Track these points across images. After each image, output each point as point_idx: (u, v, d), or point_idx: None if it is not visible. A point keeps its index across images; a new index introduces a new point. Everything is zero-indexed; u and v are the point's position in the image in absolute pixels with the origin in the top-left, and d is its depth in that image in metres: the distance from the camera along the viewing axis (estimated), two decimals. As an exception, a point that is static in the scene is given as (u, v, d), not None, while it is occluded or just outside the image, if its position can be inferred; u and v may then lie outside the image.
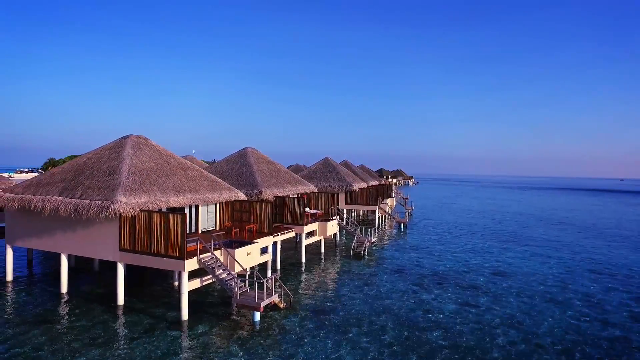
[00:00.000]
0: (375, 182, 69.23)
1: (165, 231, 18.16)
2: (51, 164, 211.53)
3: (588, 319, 19.91)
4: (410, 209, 65.60)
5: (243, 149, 35.48)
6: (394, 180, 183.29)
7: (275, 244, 27.53)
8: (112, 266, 26.52)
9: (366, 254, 33.60)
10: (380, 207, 49.96)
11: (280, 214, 29.47)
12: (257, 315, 18.09)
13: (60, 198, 19.61)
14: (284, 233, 27.87)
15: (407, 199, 79.15)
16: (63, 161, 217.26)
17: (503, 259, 33.11)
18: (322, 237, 32.68)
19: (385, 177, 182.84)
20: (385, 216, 55.40)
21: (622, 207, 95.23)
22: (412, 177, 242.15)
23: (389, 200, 61.31)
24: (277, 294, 19.42)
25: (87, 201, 18.80)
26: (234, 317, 18.95)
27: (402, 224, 51.15)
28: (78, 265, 27.12)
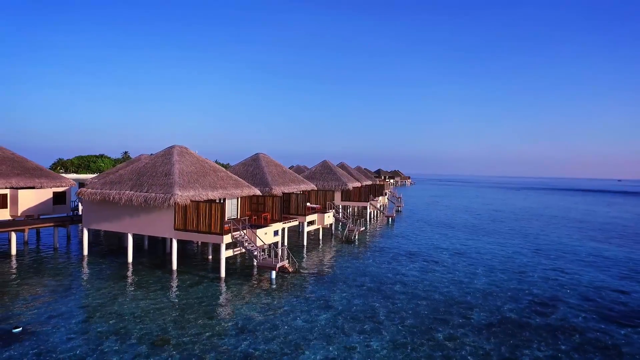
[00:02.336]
0: (369, 182, 76.87)
1: (209, 215, 25.84)
2: (60, 164, 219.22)
3: (511, 280, 27.57)
4: (400, 206, 73.34)
5: (255, 154, 43.16)
6: (391, 181, 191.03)
7: (283, 229, 35.20)
8: (160, 244, 34.29)
9: (356, 239, 41.32)
10: (371, 204, 57.64)
11: (287, 207, 37.21)
12: (274, 274, 25.75)
13: (132, 192, 27.31)
14: (290, 221, 35.54)
15: (400, 197, 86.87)
16: (72, 162, 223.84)
17: (467, 244, 40.79)
18: (320, 226, 40.39)
19: (383, 177, 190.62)
20: (376, 211, 63.08)
21: (599, 206, 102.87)
22: (409, 178, 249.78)
23: (380, 197, 68.97)
24: (287, 261, 27.13)
25: (153, 194, 26.50)
26: (256, 276, 26.64)
27: (390, 218, 58.86)
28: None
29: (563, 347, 16.98)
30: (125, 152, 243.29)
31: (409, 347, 16.45)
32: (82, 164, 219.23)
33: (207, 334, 17.21)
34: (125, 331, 17.23)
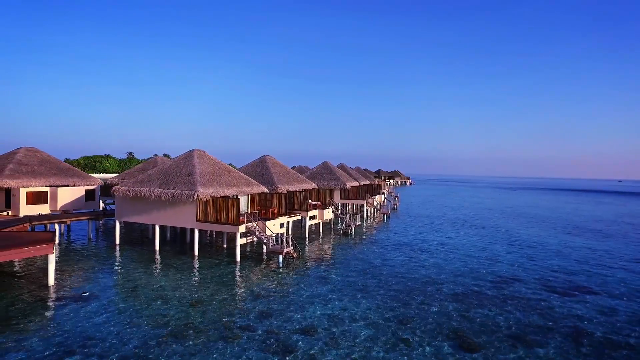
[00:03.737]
0: (366, 182, 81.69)
1: (226, 209, 30.71)
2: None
3: (482, 264, 32.36)
4: (396, 204, 78.14)
5: (262, 157, 48.06)
6: (390, 181, 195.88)
7: (288, 222, 40.09)
8: (179, 236, 39.15)
9: (352, 232, 46.18)
10: (368, 202, 62.46)
11: (291, 203, 42.07)
12: (281, 258, 30.59)
13: (161, 189, 32.21)
14: (294, 215, 40.43)
15: (397, 197, 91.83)
16: (77, 162, 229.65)
17: (452, 237, 45.59)
18: (320, 221, 45.25)
19: (382, 177, 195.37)
20: (373, 209, 67.89)
21: (588, 205, 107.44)
22: (408, 178, 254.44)
23: (377, 196, 73.78)
24: (292, 247, 32.01)
25: (179, 191, 31.40)
26: (266, 260, 31.51)
27: (385, 215, 63.71)
28: (154, 235, 39.64)
29: (509, 308, 21.81)
30: (130, 153, 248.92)
31: (389, 308, 21.30)
32: (89, 164, 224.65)
33: (231, 298, 22.11)
34: (166, 296, 22.12)
